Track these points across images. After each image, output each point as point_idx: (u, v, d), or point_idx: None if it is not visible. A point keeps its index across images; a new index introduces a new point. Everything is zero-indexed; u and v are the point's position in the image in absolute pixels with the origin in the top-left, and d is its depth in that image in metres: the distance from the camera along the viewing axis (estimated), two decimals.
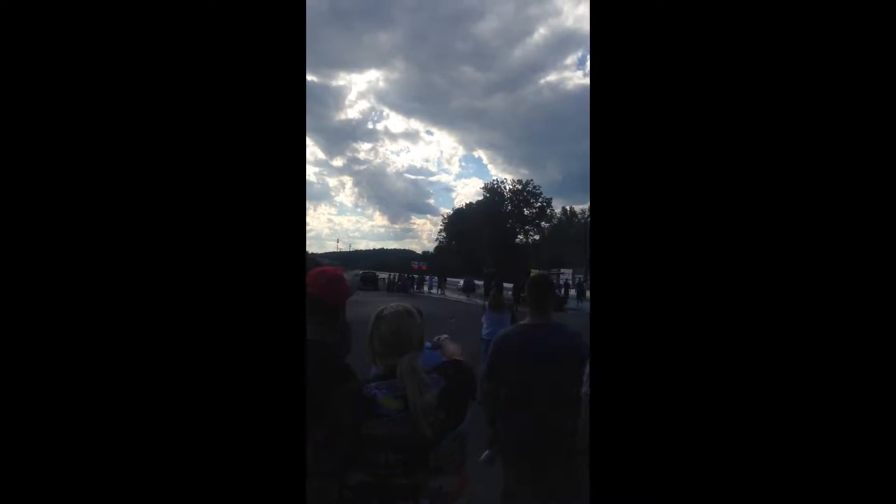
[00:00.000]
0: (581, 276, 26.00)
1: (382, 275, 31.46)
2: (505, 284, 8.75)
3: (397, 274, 31.14)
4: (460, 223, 53.87)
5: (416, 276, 30.84)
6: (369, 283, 27.54)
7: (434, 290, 27.54)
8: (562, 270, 28.09)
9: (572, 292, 21.11)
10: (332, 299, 1.56)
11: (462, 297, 23.49)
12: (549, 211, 52.90)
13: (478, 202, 54.52)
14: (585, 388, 1.55)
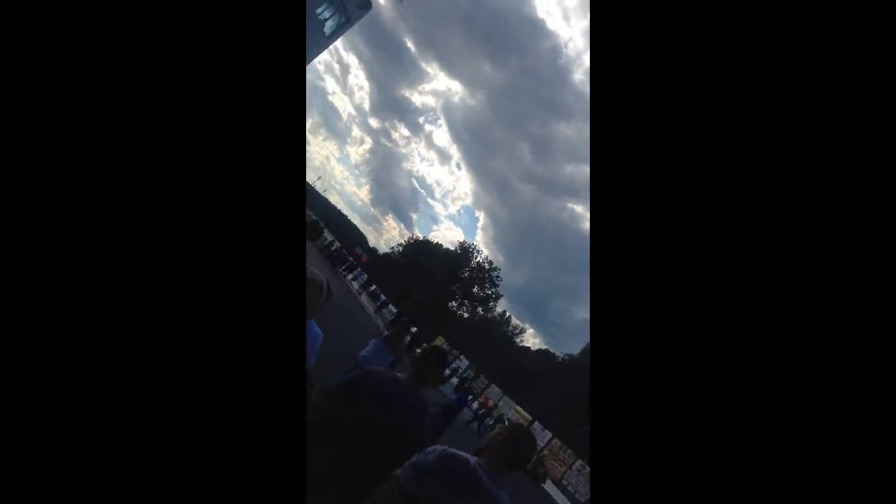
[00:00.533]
0: (471, 374, 26.12)
1: (327, 234, 30.82)
2: (411, 329, 8.68)
3: (340, 245, 30.55)
4: (419, 253, 53.85)
5: (352, 259, 30.34)
6: (312, 230, 26.87)
7: (355, 284, 27.08)
8: (461, 357, 28.18)
9: (454, 380, 21.13)
10: None
11: (370, 306, 23.15)
12: (491, 304, 53.70)
13: (447, 250, 54.98)
14: (399, 471, 1.52)
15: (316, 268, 1.59)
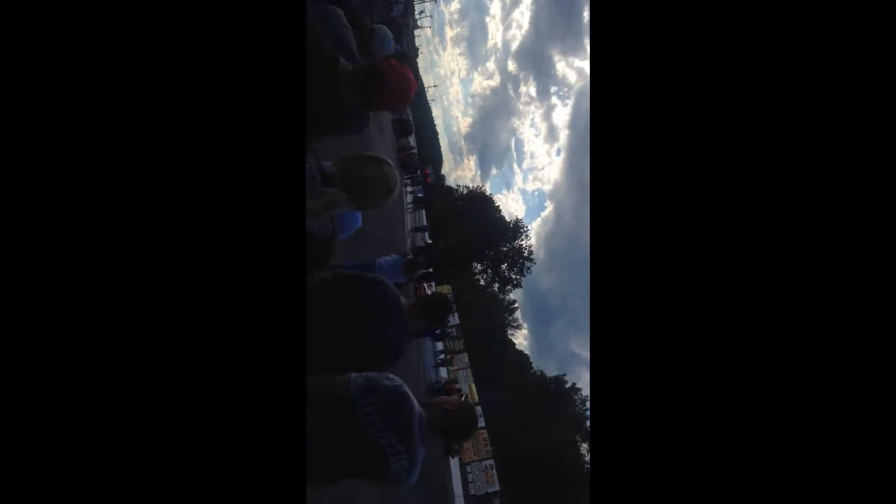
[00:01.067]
0: (455, 333, 26.60)
1: (412, 140, 30.82)
2: (429, 265, 8.76)
3: (416, 155, 30.61)
4: (477, 205, 53.41)
5: (419, 173, 30.45)
6: (402, 128, 26.87)
7: (409, 197, 27.34)
8: (455, 315, 28.65)
9: (437, 330, 21.65)
10: (391, 102, 1.47)
11: (409, 223, 23.49)
12: (509, 287, 53.65)
13: (502, 217, 54.37)
14: (355, 375, 1.58)
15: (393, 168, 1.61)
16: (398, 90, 1.47)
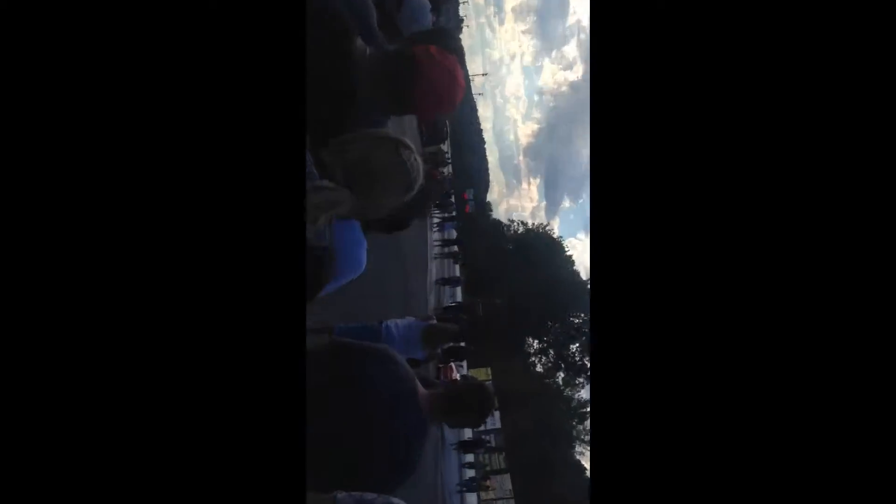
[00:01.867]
0: (490, 441, 26.18)
1: (446, 147, 31.43)
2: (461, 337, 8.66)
3: (451, 173, 31.12)
4: (540, 253, 53.36)
5: (453, 200, 30.72)
6: (432, 131, 27.48)
7: (437, 234, 27.46)
8: (496, 413, 28.33)
9: (470, 434, 21.40)
10: (427, 108, 1.45)
11: (435, 272, 23.51)
12: (579, 381, 52.71)
13: (575, 273, 54.03)
14: (343, 495, 1.58)
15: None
16: (438, 92, 1.46)
